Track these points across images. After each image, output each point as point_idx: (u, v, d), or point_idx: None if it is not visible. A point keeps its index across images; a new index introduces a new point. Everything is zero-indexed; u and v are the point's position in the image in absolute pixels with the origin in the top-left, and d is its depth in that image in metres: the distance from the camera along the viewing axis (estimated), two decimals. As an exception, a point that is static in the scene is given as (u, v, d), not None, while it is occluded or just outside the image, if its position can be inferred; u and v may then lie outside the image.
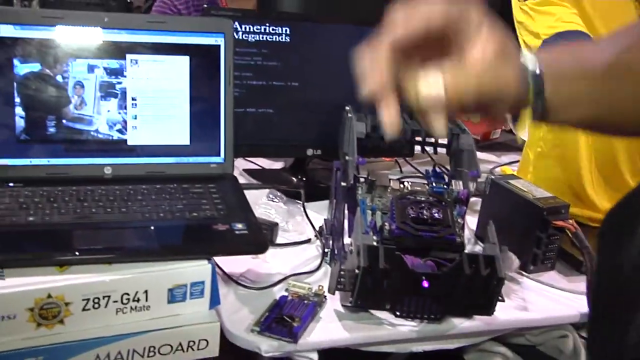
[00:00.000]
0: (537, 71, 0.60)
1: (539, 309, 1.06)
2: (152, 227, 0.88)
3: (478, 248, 1.23)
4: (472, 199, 1.11)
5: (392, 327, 0.96)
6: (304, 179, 1.43)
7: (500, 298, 0.95)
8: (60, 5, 1.23)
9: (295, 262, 1.11)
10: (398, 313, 0.96)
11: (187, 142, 1.04)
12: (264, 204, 1.21)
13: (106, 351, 0.80)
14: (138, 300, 0.82)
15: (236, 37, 1.26)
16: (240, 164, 1.46)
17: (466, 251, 0.98)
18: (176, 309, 0.85)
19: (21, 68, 0.96)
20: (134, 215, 0.91)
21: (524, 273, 1.15)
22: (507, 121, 0.66)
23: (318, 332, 0.93)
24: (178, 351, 0.83)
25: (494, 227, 1.00)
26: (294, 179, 1.43)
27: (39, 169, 0.98)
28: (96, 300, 0.79)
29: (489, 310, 0.96)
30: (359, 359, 1.00)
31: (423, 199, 1.04)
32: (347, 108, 1.14)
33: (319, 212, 1.26)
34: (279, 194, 1.27)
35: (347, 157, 1.08)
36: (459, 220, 1.03)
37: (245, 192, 1.01)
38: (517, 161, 1.69)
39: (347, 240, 1.10)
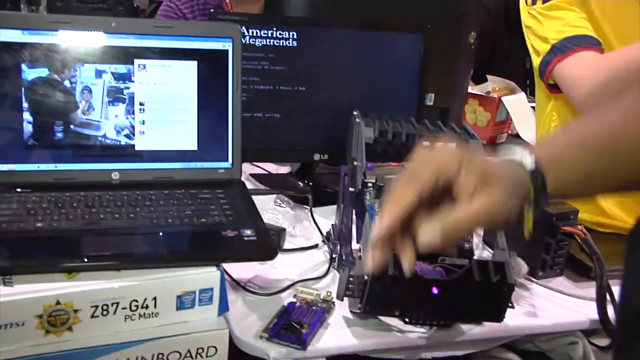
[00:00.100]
0: (534, 168, 0.71)
1: (548, 315, 1.05)
2: (161, 233, 0.88)
3: (486, 254, 1.22)
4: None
5: (401, 333, 0.96)
6: (311, 183, 1.43)
7: (510, 305, 0.95)
8: (67, 10, 1.22)
9: (303, 268, 1.11)
10: (407, 319, 0.95)
11: (195, 148, 1.04)
12: (271, 209, 1.21)
13: (114, 358, 0.79)
14: (147, 307, 0.81)
15: (243, 41, 1.25)
16: (247, 168, 1.46)
17: (475, 257, 0.97)
18: (185, 315, 0.84)
19: (29, 73, 0.96)
20: (143, 221, 0.90)
21: (532, 279, 1.14)
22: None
23: (327, 338, 0.93)
24: (187, 358, 0.83)
25: (503, 233, 1.00)
26: (300, 183, 1.43)
27: (46, 174, 0.98)
28: (105, 307, 0.79)
29: (498, 317, 0.95)
30: (367, 365, 0.99)
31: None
32: (355, 113, 1.13)
33: (326, 217, 1.26)
34: (286, 199, 1.27)
35: (355, 163, 1.08)
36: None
37: (253, 197, 1.01)
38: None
39: (355, 245, 1.10)
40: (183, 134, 1.04)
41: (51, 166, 0.98)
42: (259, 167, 1.51)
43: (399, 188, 0.70)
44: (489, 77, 2.01)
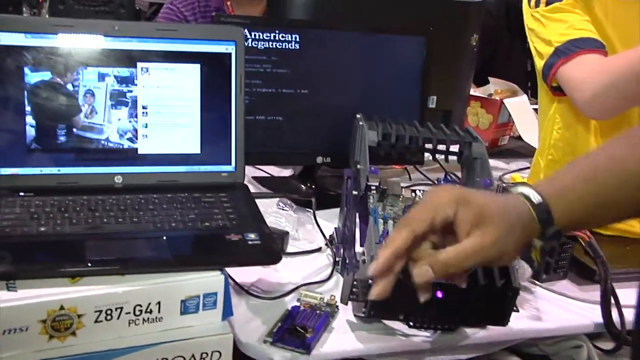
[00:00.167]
0: (539, 202, 0.77)
1: (553, 318, 1.05)
2: (165, 238, 0.88)
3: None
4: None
5: (405, 337, 0.95)
6: (313, 186, 1.43)
7: (514, 308, 0.94)
8: (69, 13, 1.22)
9: (306, 271, 1.10)
10: (411, 323, 0.94)
11: (198, 151, 1.04)
12: (274, 212, 1.21)
13: (119, 363, 0.79)
14: (151, 312, 0.81)
15: (245, 44, 1.24)
16: (249, 171, 1.46)
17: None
18: (189, 320, 0.84)
19: (32, 77, 0.96)
20: (146, 225, 0.90)
21: (536, 282, 1.14)
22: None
23: (331, 342, 0.92)
24: (191, 363, 0.83)
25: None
26: (302, 186, 1.43)
27: (49, 178, 0.98)
28: (109, 312, 0.78)
29: (503, 320, 0.95)
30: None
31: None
32: (358, 116, 1.13)
33: (328, 220, 1.25)
34: (288, 202, 1.26)
35: (358, 166, 1.07)
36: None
37: (256, 200, 1.01)
38: (526, 168, 1.68)
39: (358, 249, 1.09)
40: (186, 137, 1.03)
41: (54, 170, 0.98)
42: (261, 169, 1.50)
43: (396, 229, 0.77)
44: (490, 79, 2.01)
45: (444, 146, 1.14)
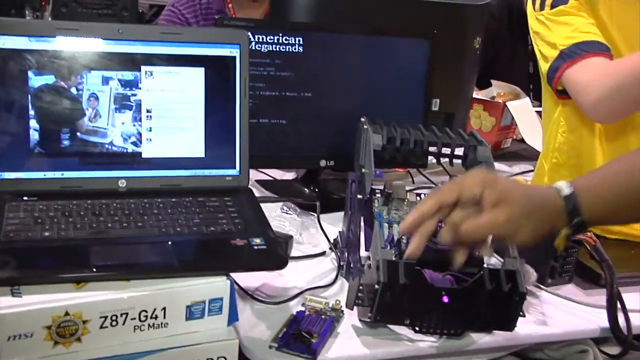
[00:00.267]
0: (569, 193, 0.87)
1: (559, 323, 1.04)
2: (170, 242, 0.87)
3: (493, 260, 1.22)
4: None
5: (411, 342, 0.95)
6: (316, 190, 1.42)
7: (521, 313, 0.94)
8: (72, 16, 1.22)
9: (311, 276, 1.10)
10: (417, 328, 0.94)
11: (202, 155, 1.03)
12: (278, 216, 1.20)
13: (124, 369, 0.78)
14: (156, 318, 0.80)
15: (249, 47, 1.24)
16: (252, 174, 1.44)
17: (485, 265, 0.97)
18: (194, 326, 0.83)
19: (35, 80, 0.95)
20: (151, 230, 0.89)
21: (541, 286, 1.13)
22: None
23: (336, 348, 0.92)
24: (196, 368, 0.82)
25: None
26: (306, 189, 1.42)
27: (52, 182, 0.97)
28: (114, 318, 0.78)
29: (510, 325, 0.94)
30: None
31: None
32: (363, 119, 1.13)
33: (332, 224, 1.25)
34: (292, 205, 1.26)
35: (363, 170, 1.07)
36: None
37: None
38: (529, 171, 1.68)
39: (363, 253, 1.09)
40: (190, 141, 1.03)
41: (57, 174, 0.97)
42: (264, 173, 1.50)
43: (426, 197, 0.89)
44: (493, 82, 2.01)
45: (448, 149, 1.14)
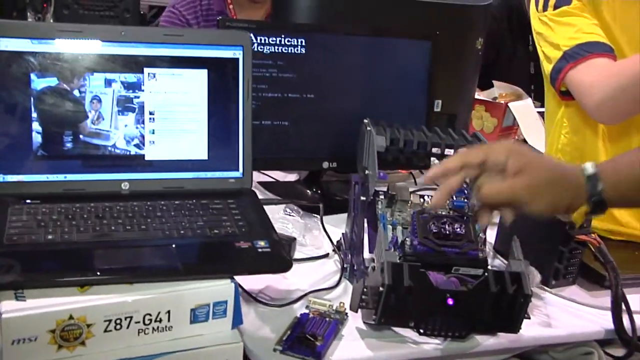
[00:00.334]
0: (593, 172, 0.90)
1: (563, 325, 1.04)
2: (174, 245, 0.87)
3: (497, 262, 1.21)
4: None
5: (415, 345, 0.95)
6: (319, 191, 1.42)
7: (526, 315, 0.94)
8: (74, 18, 1.21)
9: (314, 278, 1.09)
10: (422, 331, 0.94)
11: (205, 157, 1.03)
12: (281, 218, 1.20)
13: (128, 373, 0.78)
14: (160, 321, 0.80)
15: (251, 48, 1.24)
16: (254, 176, 1.44)
17: (489, 267, 0.97)
18: (199, 329, 0.83)
19: (38, 83, 0.95)
20: (155, 232, 0.89)
21: (545, 288, 1.13)
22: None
23: (341, 350, 0.92)
24: (201, 372, 0.82)
25: (518, 242, 0.99)
26: (308, 191, 1.42)
27: (55, 184, 0.97)
28: (118, 321, 0.78)
29: (514, 327, 0.94)
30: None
31: (444, 213, 1.03)
32: (366, 121, 1.12)
33: (335, 226, 1.25)
34: (295, 207, 1.25)
35: (367, 172, 1.07)
36: (480, 235, 1.02)
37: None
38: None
39: (366, 255, 1.09)
40: (193, 143, 1.02)
41: (60, 177, 0.97)
42: (266, 174, 1.49)
43: (452, 156, 0.95)
44: (495, 82, 2.00)
45: (451, 150, 1.14)
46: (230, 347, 0.84)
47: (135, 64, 0.99)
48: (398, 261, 0.93)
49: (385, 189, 1.10)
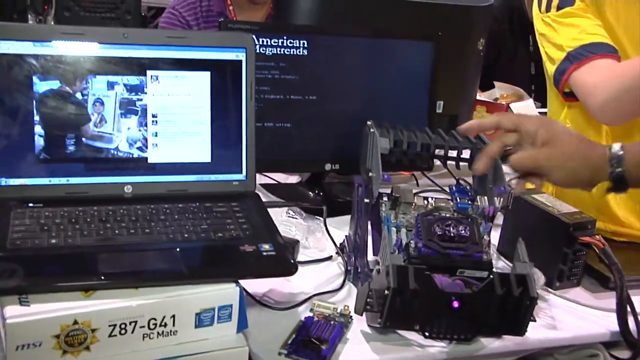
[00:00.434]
0: (618, 150, 0.96)
1: (568, 327, 1.04)
2: (178, 249, 0.86)
3: (501, 264, 1.21)
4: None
5: (421, 348, 0.94)
6: (321, 193, 1.41)
7: (532, 318, 0.93)
8: (75, 20, 1.21)
9: (318, 281, 1.09)
10: (427, 334, 0.93)
11: (209, 160, 1.03)
12: (284, 220, 1.19)
13: (133, 378, 0.78)
14: (165, 325, 0.80)
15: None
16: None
17: (494, 269, 0.96)
18: (203, 333, 0.83)
19: (40, 86, 0.94)
20: (159, 236, 0.88)
21: (549, 290, 1.12)
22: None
23: (346, 354, 0.91)
24: (206, 376, 0.81)
25: (524, 244, 0.99)
26: (310, 193, 1.41)
27: (58, 188, 0.96)
28: (123, 326, 0.77)
29: (520, 330, 0.94)
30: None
31: (448, 215, 1.03)
32: (369, 123, 1.12)
33: (338, 228, 1.24)
34: (298, 210, 1.25)
35: (370, 174, 1.06)
36: (485, 237, 1.01)
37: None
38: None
39: (370, 257, 1.08)
40: (196, 145, 1.02)
41: (63, 180, 0.96)
42: (268, 176, 1.49)
43: (489, 117, 1.08)
44: (496, 83, 2.00)
45: (455, 152, 1.13)
46: (236, 351, 0.83)
47: (138, 67, 0.98)
48: (403, 264, 0.92)
49: (388, 191, 1.09)
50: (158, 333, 0.80)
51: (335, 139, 1.34)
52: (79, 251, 0.84)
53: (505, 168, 1.07)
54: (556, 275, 1.12)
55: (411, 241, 0.99)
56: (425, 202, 1.10)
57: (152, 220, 0.92)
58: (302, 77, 1.31)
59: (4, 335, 0.73)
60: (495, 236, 1.24)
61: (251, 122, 1.04)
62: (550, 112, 1.43)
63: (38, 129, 0.95)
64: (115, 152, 0.99)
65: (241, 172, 1.04)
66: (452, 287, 0.93)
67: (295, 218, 1.22)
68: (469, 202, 1.07)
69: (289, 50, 1.29)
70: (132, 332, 0.78)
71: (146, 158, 1.00)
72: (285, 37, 1.28)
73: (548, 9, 1.28)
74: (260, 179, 1.47)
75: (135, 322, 0.78)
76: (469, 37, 1.58)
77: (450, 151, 1.13)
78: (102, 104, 0.97)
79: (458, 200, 1.07)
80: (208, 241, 0.89)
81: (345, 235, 1.18)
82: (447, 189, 1.44)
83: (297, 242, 1.14)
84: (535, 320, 0.95)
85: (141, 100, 0.99)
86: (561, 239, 1.11)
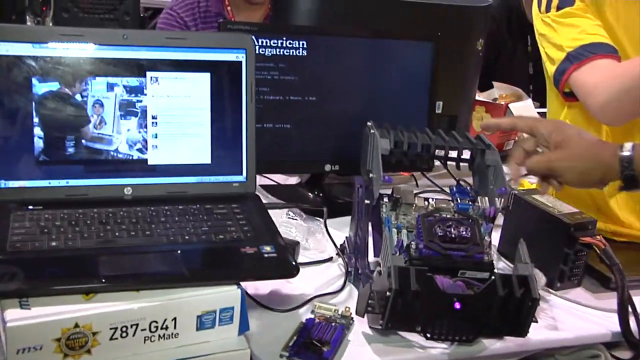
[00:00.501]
0: (629, 149, 0.98)
1: (570, 328, 1.04)
2: (179, 251, 0.86)
3: (501, 264, 1.21)
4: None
5: (422, 349, 0.94)
6: (321, 194, 1.41)
7: (533, 319, 0.93)
8: (74, 21, 1.20)
9: (319, 282, 1.09)
10: (429, 335, 0.93)
11: (209, 161, 1.02)
12: (284, 222, 1.19)
13: (134, 381, 0.77)
14: (166, 328, 0.79)
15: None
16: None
17: (496, 271, 0.96)
18: (205, 336, 0.82)
19: (40, 87, 0.94)
20: (159, 238, 0.88)
21: (550, 290, 1.12)
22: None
23: (348, 356, 0.91)
24: (208, 379, 0.81)
25: (525, 245, 0.98)
26: (310, 194, 1.41)
27: (57, 190, 0.96)
28: (124, 329, 0.77)
29: (522, 331, 0.94)
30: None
31: (449, 216, 1.02)
32: (369, 124, 1.12)
33: (338, 229, 1.24)
34: (298, 211, 1.24)
35: (371, 175, 1.06)
36: (485, 238, 1.01)
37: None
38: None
39: (371, 259, 1.08)
40: (196, 147, 1.02)
41: (62, 182, 0.96)
42: (267, 177, 1.48)
43: (505, 118, 1.22)
44: (495, 83, 2.00)
45: (455, 153, 1.13)
46: (237, 353, 0.83)
47: (138, 68, 0.98)
48: (404, 265, 0.92)
49: (389, 192, 1.09)
50: (159, 336, 0.79)
51: (335, 140, 1.34)
52: (80, 254, 0.83)
53: (505, 168, 1.07)
54: (557, 275, 1.12)
55: (412, 242, 0.99)
56: (426, 203, 1.09)
57: (153, 222, 0.91)
58: (301, 77, 1.30)
59: (4, 338, 0.72)
60: (495, 237, 1.24)
61: (251, 123, 1.03)
62: (549, 112, 1.43)
63: (37, 131, 0.94)
64: (115, 154, 0.98)
65: (241, 174, 1.03)
66: (454, 289, 0.92)
67: (295, 219, 1.22)
68: (470, 202, 1.07)
69: (288, 51, 1.29)
70: (134, 335, 0.77)
71: (146, 160, 1.00)
72: (284, 38, 1.28)
73: (548, 9, 1.27)
74: (260, 180, 1.46)
75: (137, 325, 0.77)
76: (468, 37, 1.57)
77: (450, 152, 1.13)
78: (102, 105, 0.97)
79: (459, 201, 1.07)
80: (209, 243, 0.89)
81: (346, 237, 1.17)
82: (446, 189, 1.44)
83: (298, 243, 1.14)
84: (537, 321, 0.95)
85: (141, 101, 0.99)
86: (562, 240, 1.11)
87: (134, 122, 0.99)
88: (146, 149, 0.99)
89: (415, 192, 1.27)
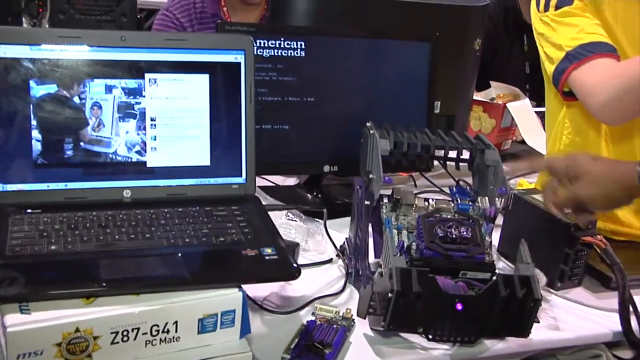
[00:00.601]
0: None
1: (571, 328, 1.03)
2: (179, 254, 0.85)
3: (501, 265, 1.21)
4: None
5: (424, 350, 0.94)
6: (320, 195, 1.40)
7: (535, 319, 0.93)
8: (70, 23, 1.20)
9: (319, 284, 1.08)
10: (431, 336, 0.92)
11: (208, 163, 1.02)
12: (284, 223, 1.18)
13: (136, 385, 0.77)
14: (168, 332, 0.79)
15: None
16: (255, 181, 1.43)
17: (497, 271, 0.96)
18: (206, 339, 0.82)
19: (37, 90, 0.93)
20: (159, 241, 0.88)
21: (551, 290, 1.12)
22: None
23: (350, 357, 0.91)
24: (209, 382, 0.80)
25: (527, 245, 0.98)
26: (309, 195, 1.41)
27: (56, 193, 0.95)
28: (125, 333, 0.76)
29: (524, 332, 0.93)
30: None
31: (450, 217, 1.02)
32: (369, 124, 1.11)
33: (338, 230, 1.23)
34: (297, 212, 1.24)
35: (371, 175, 1.05)
36: (486, 238, 1.01)
37: (265, 212, 0.99)
38: (532, 172, 1.66)
39: (372, 260, 1.08)
40: (195, 149, 1.01)
41: (61, 185, 0.95)
42: (265, 179, 1.48)
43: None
44: (492, 83, 2.00)
45: (454, 153, 1.13)
46: (239, 356, 0.82)
47: (136, 70, 0.98)
48: (406, 266, 0.91)
49: (389, 192, 1.09)
50: (160, 339, 0.79)
51: (334, 141, 1.34)
52: (79, 257, 0.83)
53: (505, 168, 1.07)
54: (557, 275, 1.12)
55: (413, 243, 0.98)
56: (426, 203, 1.09)
57: (153, 225, 0.91)
58: (299, 78, 1.30)
59: (4, 344, 0.72)
60: (495, 237, 1.24)
61: (251, 124, 1.03)
62: (548, 111, 1.42)
63: (35, 134, 0.93)
64: (114, 156, 0.98)
65: (241, 175, 1.03)
66: (455, 289, 0.92)
67: (295, 221, 1.21)
68: (470, 203, 1.06)
69: (286, 51, 1.28)
70: (135, 338, 0.77)
71: (145, 162, 0.99)
72: (282, 39, 1.28)
73: (546, 9, 1.27)
74: (258, 181, 1.45)
75: (138, 328, 0.77)
76: (466, 37, 1.57)
77: (450, 152, 1.12)
78: (100, 107, 0.96)
79: (459, 201, 1.07)
80: (209, 246, 0.88)
81: (346, 238, 1.17)
82: (445, 189, 1.44)
83: (297, 245, 1.13)
84: (538, 322, 0.94)
85: (139, 103, 0.98)
86: (562, 239, 1.11)
87: (133, 124, 0.98)
88: (145, 151, 0.99)
89: (415, 192, 1.26)
